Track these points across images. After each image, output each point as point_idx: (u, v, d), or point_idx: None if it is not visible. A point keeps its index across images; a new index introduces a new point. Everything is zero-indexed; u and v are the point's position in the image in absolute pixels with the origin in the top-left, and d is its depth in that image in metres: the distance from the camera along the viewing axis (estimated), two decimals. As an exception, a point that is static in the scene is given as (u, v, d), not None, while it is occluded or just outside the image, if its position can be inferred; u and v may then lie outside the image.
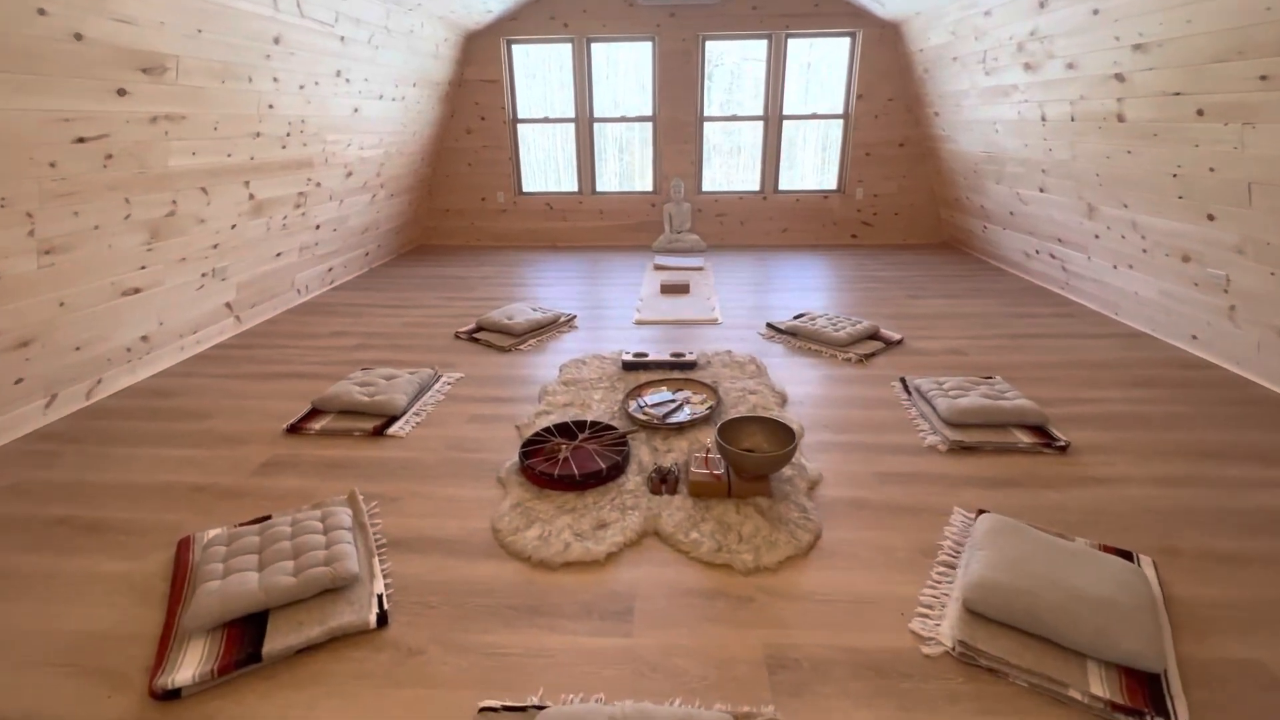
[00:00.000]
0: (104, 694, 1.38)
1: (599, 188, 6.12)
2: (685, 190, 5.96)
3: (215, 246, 3.39)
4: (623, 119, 5.89)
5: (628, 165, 6.05)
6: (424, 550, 1.83)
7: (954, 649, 1.45)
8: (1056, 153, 3.77)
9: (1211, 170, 2.70)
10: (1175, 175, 2.91)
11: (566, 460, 2.18)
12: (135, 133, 2.69)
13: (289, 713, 1.33)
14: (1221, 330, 2.94)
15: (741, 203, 6.02)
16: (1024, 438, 2.35)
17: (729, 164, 6.02)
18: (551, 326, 3.70)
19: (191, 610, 1.51)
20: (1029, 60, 3.69)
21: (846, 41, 5.59)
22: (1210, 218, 2.81)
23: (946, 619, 1.54)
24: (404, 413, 2.63)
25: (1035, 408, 2.45)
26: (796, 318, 3.71)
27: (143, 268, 2.94)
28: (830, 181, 6.02)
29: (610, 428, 2.39)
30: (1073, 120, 3.51)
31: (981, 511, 1.92)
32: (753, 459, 1.95)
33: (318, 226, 4.32)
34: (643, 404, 2.63)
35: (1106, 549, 1.75)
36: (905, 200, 5.93)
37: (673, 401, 2.63)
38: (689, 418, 2.49)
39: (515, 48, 5.77)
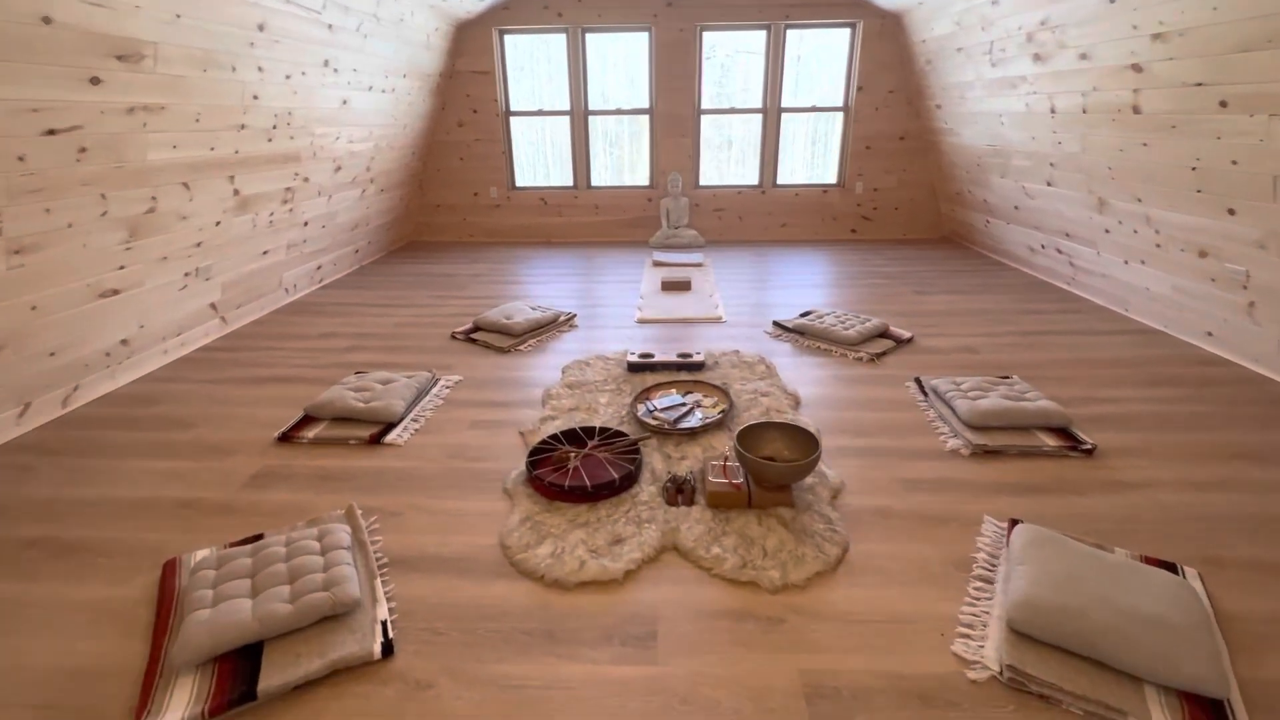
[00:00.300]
0: (83, 740, 1.26)
1: (594, 182, 5.99)
2: (683, 185, 5.84)
3: (199, 245, 3.23)
4: (619, 112, 5.76)
5: (617, 159, 5.91)
6: (429, 570, 1.72)
7: (1002, 674, 1.36)
8: (1066, 146, 3.70)
9: (1234, 163, 2.63)
10: (1194, 169, 2.84)
11: (577, 470, 2.07)
12: (111, 124, 2.54)
13: (288, 758, 1.22)
14: (1239, 327, 2.88)
15: (740, 197, 5.92)
16: (1048, 441, 2.27)
17: (719, 158, 5.91)
18: (551, 326, 3.58)
19: (179, 643, 1.39)
20: (1039, 51, 3.61)
21: (846, 33, 5.49)
22: (1231, 212, 2.74)
23: (990, 640, 1.45)
24: (401, 419, 2.50)
25: (1058, 409, 2.37)
26: (803, 315, 3.62)
27: (121, 268, 2.79)
28: (822, 175, 5.92)
29: (620, 434, 2.28)
30: (1084, 112, 3.43)
31: (1014, 521, 1.84)
32: (775, 468, 1.85)
33: (306, 223, 4.16)
34: (652, 408, 2.52)
35: (1148, 561, 1.68)
36: (905, 194, 5.85)
37: (683, 405, 2.53)
38: (701, 422, 2.39)
39: (508, 38, 5.61)
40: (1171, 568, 1.65)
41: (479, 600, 1.61)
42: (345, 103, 4.12)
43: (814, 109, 5.71)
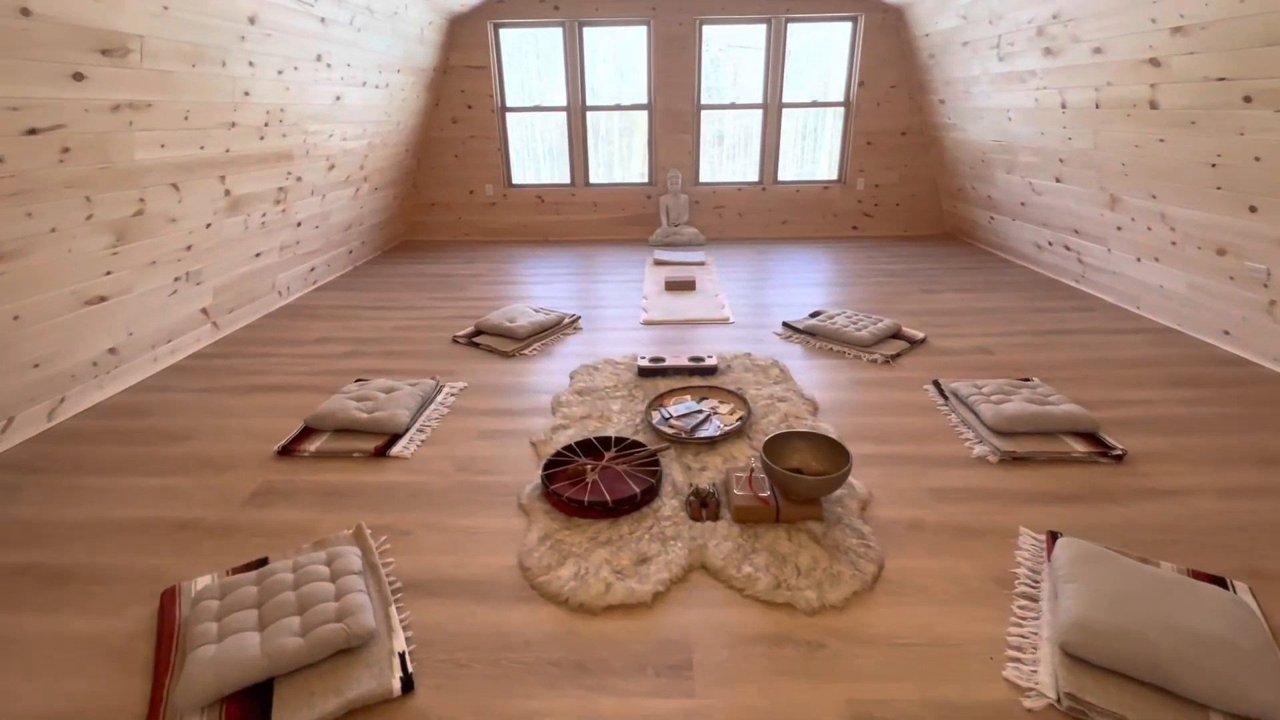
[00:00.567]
0: (80, 795, 1.16)
1: (592, 179, 5.88)
2: (682, 181, 5.75)
3: (189, 248, 3.10)
4: (618, 107, 5.65)
5: (607, 155, 5.81)
6: (446, 594, 1.63)
7: (1060, 702, 1.29)
8: (1077, 141, 3.64)
9: (1257, 160, 2.58)
10: (1214, 165, 2.79)
11: (595, 483, 1.98)
12: (95, 123, 2.41)
13: (306, 811, 1.13)
14: (1259, 326, 2.84)
15: (740, 194, 5.83)
16: (1077, 446, 2.21)
17: (711, 154, 5.81)
18: (555, 329, 3.49)
19: (183, 683, 1.30)
20: (1050, 45, 3.55)
21: (846, 27, 5.41)
22: (1253, 209, 2.69)
23: (1043, 664, 1.38)
24: (407, 430, 2.40)
25: (1085, 413, 2.31)
26: (812, 316, 3.55)
27: (108, 273, 2.66)
28: (812, 171, 5.85)
29: (638, 444, 2.19)
30: (1097, 108, 3.38)
31: (1052, 534, 1.77)
32: (806, 482, 1.78)
33: (299, 224, 4.03)
34: (667, 415, 2.44)
35: (1196, 575, 1.62)
36: (907, 190, 5.80)
37: (699, 412, 2.44)
38: (720, 431, 2.31)
39: (503, 31, 5.48)
40: (1220, 582, 1.59)
41: (501, 627, 1.52)
42: (339, 99, 3.99)
43: (815, 104, 5.64)
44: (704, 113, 5.63)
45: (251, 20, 2.98)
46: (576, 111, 5.63)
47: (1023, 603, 1.56)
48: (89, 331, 2.61)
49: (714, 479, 2.07)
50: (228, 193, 3.27)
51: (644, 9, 5.28)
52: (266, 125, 3.40)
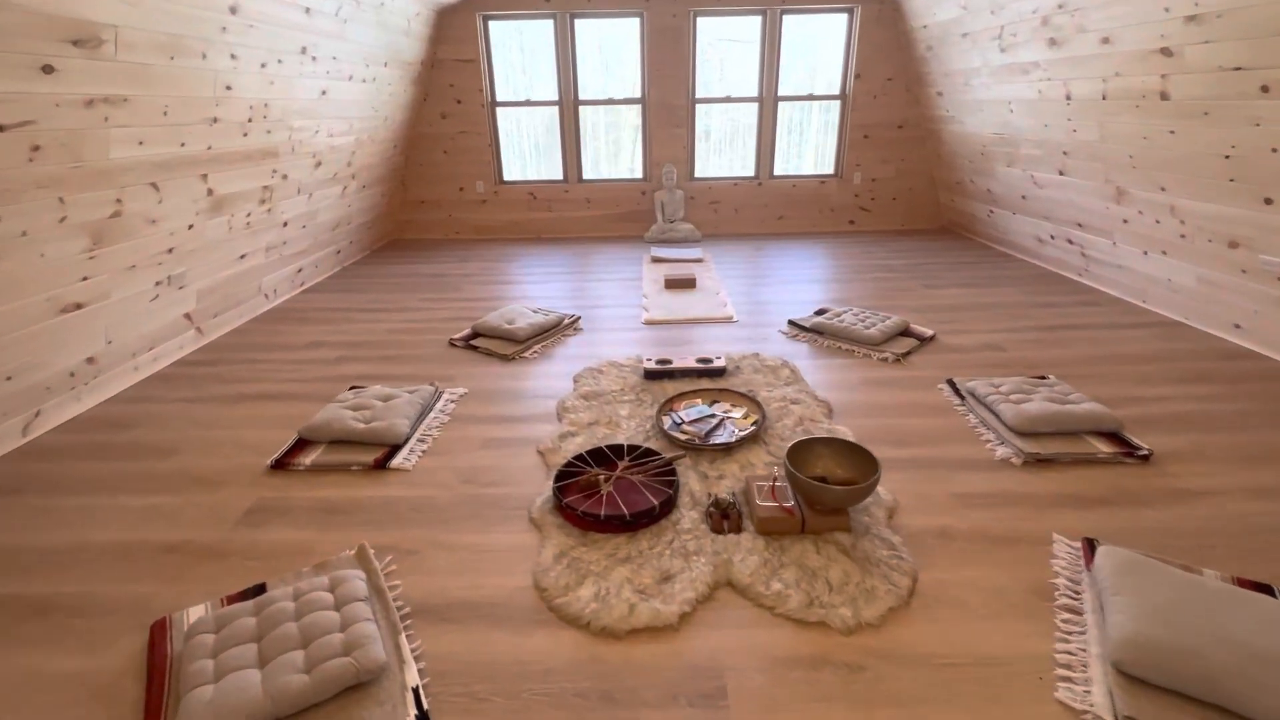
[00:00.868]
0: None
1: (585, 175, 5.77)
2: (678, 177, 5.65)
3: (170, 250, 2.95)
4: (610, 101, 5.53)
5: (594, 151, 5.69)
6: (459, 619, 1.53)
7: (1119, 726, 1.22)
8: (1082, 133, 3.60)
9: (1275, 151, 2.54)
10: (1228, 157, 2.75)
11: (610, 495, 1.89)
12: (68, 118, 2.26)
13: None
14: (1272, 319, 2.81)
15: (736, 189, 5.75)
16: (1101, 447, 2.15)
17: (699, 148, 5.70)
18: (555, 330, 3.38)
19: (177, 730, 1.19)
20: (1055, 35, 3.49)
21: (843, 18, 5.33)
22: (1268, 201, 2.65)
23: (1096, 684, 1.31)
24: (407, 440, 2.29)
25: (1108, 412, 2.26)
26: (818, 313, 3.48)
27: (85, 279, 2.51)
28: (798, 166, 5.77)
29: (651, 452, 2.10)
30: (1104, 99, 3.33)
31: (1088, 540, 1.71)
32: (835, 493, 1.70)
33: (285, 224, 3.88)
34: (679, 420, 2.35)
35: (1241, 583, 1.56)
36: (904, 184, 5.74)
37: (712, 416, 2.36)
38: (735, 436, 2.22)
39: (492, 24, 5.34)
40: (1267, 590, 1.53)
41: (520, 655, 1.43)
42: (324, 93, 3.84)
43: (811, 97, 5.56)
44: (698, 106, 5.54)
45: (233, 10, 2.84)
46: (569, 106, 5.50)
47: (1066, 616, 1.49)
48: (65, 340, 2.47)
49: (733, 488, 1.98)
50: (210, 192, 3.12)
51: (637, 0, 5.16)
52: (250, 121, 3.26)
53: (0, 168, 2.07)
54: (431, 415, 2.50)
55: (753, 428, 2.27)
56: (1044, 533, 1.79)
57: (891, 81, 5.42)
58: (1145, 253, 3.46)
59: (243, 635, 1.39)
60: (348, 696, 1.28)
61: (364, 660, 1.31)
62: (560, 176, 5.75)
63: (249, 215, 3.49)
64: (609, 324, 3.55)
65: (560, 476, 1.98)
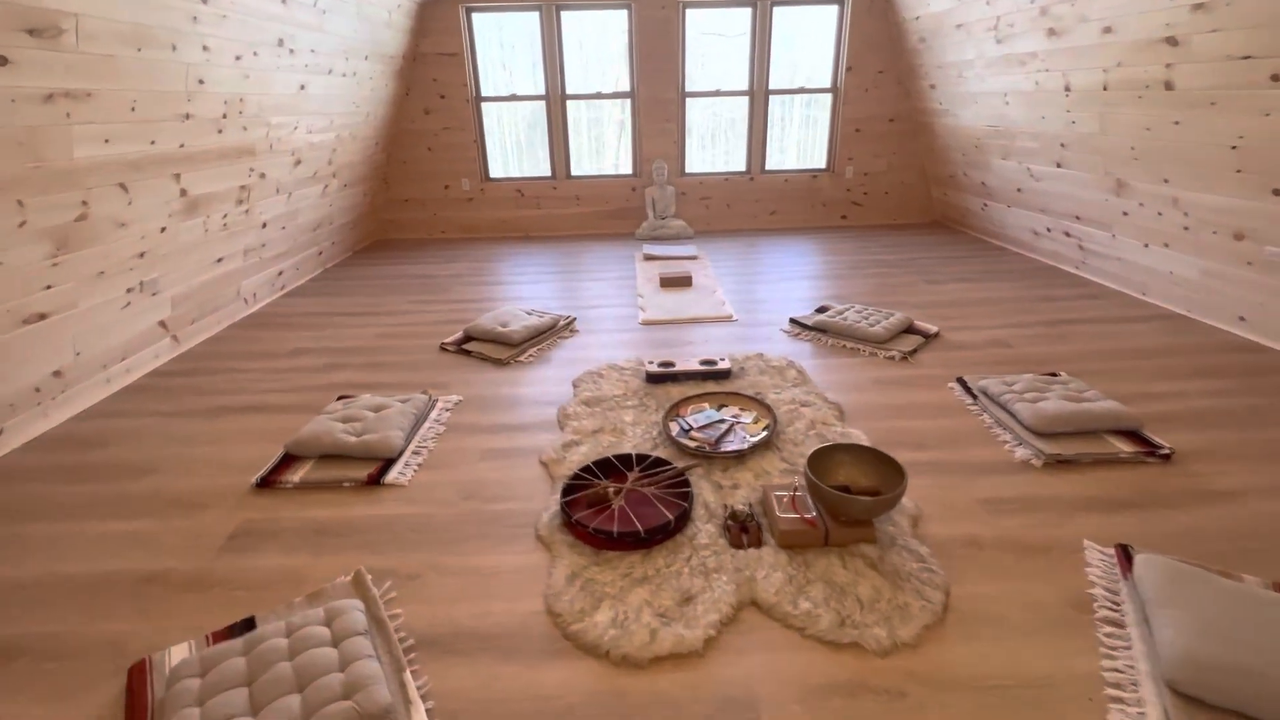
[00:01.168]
0: None
1: (574, 171, 5.64)
2: (668, 173, 5.55)
3: (142, 255, 2.79)
4: (599, 95, 5.41)
5: (577, 148, 5.56)
6: (467, 651, 1.42)
7: (1180, 752, 1.15)
8: (1081, 125, 3.56)
9: (1284, 141, 2.50)
10: (1235, 147, 2.71)
11: (622, 510, 1.79)
12: (25, 114, 2.10)
13: None
14: (1276, 311, 2.78)
15: (727, 184, 5.66)
16: (1122, 447, 2.10)
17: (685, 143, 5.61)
18: (551, 332, 3.27)
19: (161, 793, 1.07)
20: (1054, 25, 3.44)
21: (834, 10, 5.26)
22: (1276, 192, 2.62)
23: (1149, 705, 1.24)
24: (401, 453, 2.17)
25: (1127, 410, 2.20)
26: (820, 311, 3.40)
27: (49, 287, 2.35)
28: (783, 160, 5.70)
29: (662, 461, 2.00)
30: (1105, 90, 3.28)
31: (1121, 547, 1.65)
32: (861, 503, 1.61)
33: (264, 225, 3.71)
34: (687, 426, 2.25)
35: (1284, 589, 1.50)
36: (895, 178, 5.70)
37: (721, 422, 2.27)
38: (747, 443, 2.13)
39: (476, 16, 5.19)
40: (1312, 597, 1.47)
41: (536, 689, 1.32)
42: (303, 88, 3.68)
43: (803, 90, 5.49)
44: (688, 100, 5.43)
45: (204, -1, 2.68)
46: (556, 101, 5.37)
47: (1109, 629, 1.42)
48: (29, 353, 2.30)
49: (748, 498, 1.89)
50: (184, 192, 2.96)
51: (625, -8, 5.04)
52: (225, 117, 3.09)
53: (-49, 168, 1.91)
54: (426, 425, 2.38)
55: (764, 433, 2.18)
56: (1073, 539, 1.73)
57: (883, 74, 5.36)
58: (1146, 245, 3.43)
59: (232, 679, 1.27)
60: (350, 745, 1.17)
61: (367, 705, 1.19)
62: (548, 173, 5.62)
63: (225, 216, 3.32)
64: (605, 325, 3.44)
65: (567, 490, 1.88)
